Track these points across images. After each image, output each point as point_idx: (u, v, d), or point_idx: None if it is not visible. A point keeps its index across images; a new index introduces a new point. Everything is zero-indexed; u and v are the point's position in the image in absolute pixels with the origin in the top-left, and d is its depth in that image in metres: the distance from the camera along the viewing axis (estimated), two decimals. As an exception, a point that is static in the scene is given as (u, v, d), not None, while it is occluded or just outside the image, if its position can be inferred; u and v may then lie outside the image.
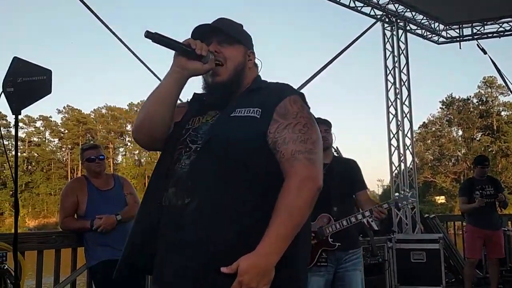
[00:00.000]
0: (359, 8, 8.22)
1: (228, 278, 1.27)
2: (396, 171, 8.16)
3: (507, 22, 9.24)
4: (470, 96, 44.42)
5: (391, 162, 8.12)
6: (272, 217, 1.30)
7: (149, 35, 1.37)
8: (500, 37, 9.36)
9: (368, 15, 8.35)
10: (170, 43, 1.42)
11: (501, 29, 9.27)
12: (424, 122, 45.28)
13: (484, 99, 43.88)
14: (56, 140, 55.76)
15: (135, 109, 52.38)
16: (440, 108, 45.22)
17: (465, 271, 6.08)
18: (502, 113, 43.03)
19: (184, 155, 1.45)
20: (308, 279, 1.69)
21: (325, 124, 3.37)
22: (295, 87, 1.59)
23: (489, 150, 39.83)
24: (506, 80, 10.20)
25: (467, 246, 5.96)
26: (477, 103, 44.40)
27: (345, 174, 3.34)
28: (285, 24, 71.83)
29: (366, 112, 76.11)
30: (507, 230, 7.04)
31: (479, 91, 43.96)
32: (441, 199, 37.11)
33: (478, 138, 42.97)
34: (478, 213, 5.74)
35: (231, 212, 1.34)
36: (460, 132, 44.30)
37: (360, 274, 3.36)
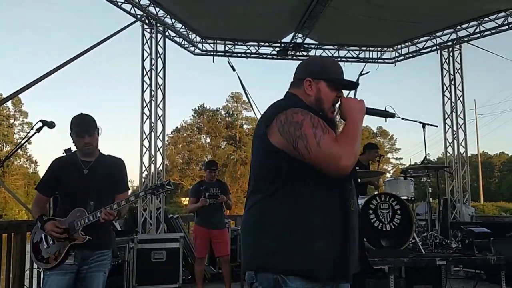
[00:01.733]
0: (119, 4, 8.00)
1: None
2: (146, 172, 8.23)
3: (253, 46, 10.43)
4: (219, 108, 48.73)
5: (141, 163, 8.15)
6: None
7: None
8: (247, 58, 10.53)
9: (129, 13, 8.22)
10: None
11: (248, 50, 10.44)
12: (177, 127, 47.42)
13: (231, 112, 48.77)
14: None
15: None
16: (192, 115, 48.18)
17: (195, 269, 6.50)
18: (244, 126, 48.57)
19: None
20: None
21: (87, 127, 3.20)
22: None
23: (232, 158, 44.42)
24: (249, 97, 11.55)
25: (196, 245, 6.37)
26: (224, 115, 48.98)
27: (109, 172, 3.26)
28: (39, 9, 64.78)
29: (123, 111, 75.06)
30: (233, 229, 7.85)
31: (227, 104, 48.63)
32: (186, 201, 39.30)
33: (223, 146, 47.35)
34: (205, 214, 6.23)
35: None
36: (208, 140, 48.06)
37: (103, 276, 3.26)
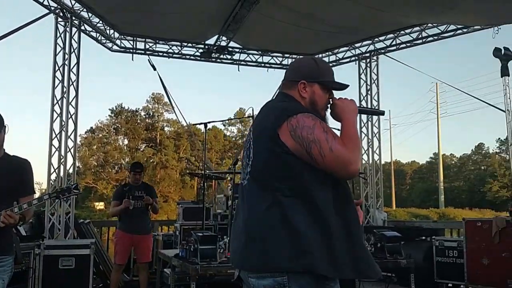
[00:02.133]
0: (32, -7, 7.43)
1: None
2: (55, 174, 7.66)
3: (176, 46, 10.17)
4: (138, 109, 47.27)
5: (50, 164, 7.58)
6: None
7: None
8: (168, 58, 10.25)
9: (42, 4, 7.66)
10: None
11: (170, 50, 10.17)
12: (91, 127, 45.29)
13: (151, 113, 47.54)
14: None
15: None
16: (109, 115, 46.31)
17: (112, 276, 6.17)
18: (166, 128, 47.55)
19: None
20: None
21: None
22: None
23: (151, 161, 43.22)
24: (171, 98, 11.25)
25: (117, 251, 6.07)
26: (144, 116, 47.64)
27: (13, 174, 2.97)
28: None
29: (31, 109, 70.37)
30: (156, 234, 7.59)
31: (147, 105, 47.34)
32: (100, 205, 37.61)
33: (142, 149, 45.96)
34: (129, 219, 5.94)
35: None
36: (126, 142, 46.44)
37: (2, 284, 2.94)
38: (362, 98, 10.00)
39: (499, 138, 49.68)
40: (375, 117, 9.93)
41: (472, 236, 6.51)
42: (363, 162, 9.85)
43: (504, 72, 1.79)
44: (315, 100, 2.00)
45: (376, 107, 9.91)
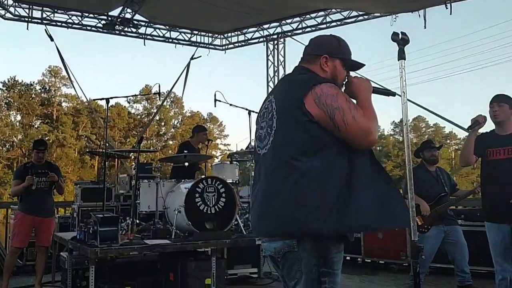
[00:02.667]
0: None
1: None
2: None
3: (76, 16, 9.48)
4: (33, 82, 43.79)
5: None
6: None
7: None
8: (68, 28, 9.52)
9: None
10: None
11: (69, 20, 9.45)
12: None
13: (47, 88, 44.30)
14: None
15: None
16: (0, 89, 42.37)
17: (7, 259, 5.68)
18: (63, 104, 44.62)
19: None
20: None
21: None
22: None
23: (47, 138, 40.38)
24: (70, 72, 10.51)
25: (16, 233, 5.59)
26: (40, 90, 44.26)
27: None
28: None
29: None
30: (57, 217, 7.09)
31: (43, 79, 44.00)
32: (-11, 186, 34.55)
33: (36, 126, 42.84)
34: (31, 199, 5.50)
35: None
36: (19, 117, 42.91)
37: None
38: (269, 79, 10.14)
39: (393, 121, 53.76)
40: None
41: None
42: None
43: (401, 56, 1.90)
44: (336, 75, 2.08)
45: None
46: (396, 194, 1.99)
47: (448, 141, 54.06)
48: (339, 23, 9.18)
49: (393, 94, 2.32)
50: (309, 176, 1.85)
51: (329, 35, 2.23)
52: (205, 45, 10.71)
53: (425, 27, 8.09)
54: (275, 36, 10.13)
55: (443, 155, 51.94)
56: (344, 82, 2.13)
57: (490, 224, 3.74)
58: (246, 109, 6.25)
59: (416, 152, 5.17)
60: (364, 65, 2.18)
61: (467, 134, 3.90)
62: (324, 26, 9.36)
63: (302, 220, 1.83)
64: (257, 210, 2.07)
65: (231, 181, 5.46)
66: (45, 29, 9.22)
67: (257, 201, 2.06)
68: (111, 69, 67.56)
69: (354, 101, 2.00)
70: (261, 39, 10.33)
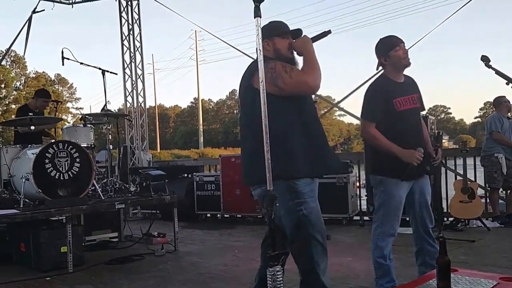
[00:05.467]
0: None
1: None
2: None
3: None
4: None
5: None
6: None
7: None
8: None
9: None
10: None
11: None
12: None
13: None
14: None
15: None
16: None
17: None
18: None
19: None
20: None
21: None
22: None
23: None
24: None
25: None
26: None
27: None
28: None
29: None
30: None
31: None
32: None
33: None
34: None
35: None
36: None
37: None
38: (124, 37, 9.65)
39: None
40: (138, 58, 9.73)
41: (227, 170, 7.20)
42: (128, 104, 9.71)
43: (257, 14, 1.94)
44: (277, 49, 2.56)
45: (139, 49, 9.74)
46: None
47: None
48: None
49: (328, 32, 2.62)
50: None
51: (266, 24, 2.64)
52: (49, -2, 9.70)
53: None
54: (128, -8, 9.60)
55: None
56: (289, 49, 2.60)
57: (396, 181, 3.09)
58: (100, 68, 5.90)
59: None
60: (299, 29, 2.61)
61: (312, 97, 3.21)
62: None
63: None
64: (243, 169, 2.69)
65: (85, 145, 5.18)
66: None
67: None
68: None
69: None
70: (113, -5, 9.70)
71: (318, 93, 4.09)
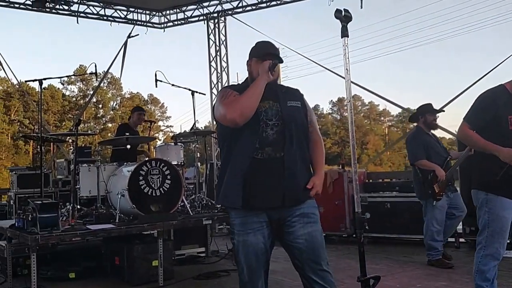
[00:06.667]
0: None
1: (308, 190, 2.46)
2: None
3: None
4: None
5: None
6: (316, 157, 2.56)
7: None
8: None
9: None
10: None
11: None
12: None
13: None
14: None
15: None
16: None
17: None
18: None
19: (267, 128, 2.41)
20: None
21: None
22: None
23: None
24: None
25: None
26: (-36, 73, 41.15)
27: None
28: None
29: None
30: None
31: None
32: None
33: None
34: None
35: (307, 161, 2.52)
36: None
37: None
38: (211, 58, 10.03)
39: (331, 100, 55.12)
40: (224, 78, 10.04)
41: (310, 188, 7.11)
42: (214, 123, 10.01)
43: (344, 33, 1.92)
44: (250, 71, 2.58)
45: (225, 69, 10.05)
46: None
47: (382, 118, 56.32)
48: (278, 2, 9.19)
49: (280, 60, 2.52)
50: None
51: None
52: (142, 23, 10.37)
53: (361, 7, 8.30)
54: (215, 15, 9.99)
55: (377, 131, 54.19)
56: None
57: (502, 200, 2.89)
58: (189, 90, 6.16)
59: (414, 116, 5.01)
60: (279, 57, 2.53)
61: (400, 110, 3.65)
62: (264, 5, 9.34)
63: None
64: None
65: (176, 163, 5.41)
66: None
67: None
68: (43, 49, 64.04)
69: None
70: (201, 17, 10.15)
71: (405, 106, 3.94)
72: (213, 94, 9.99)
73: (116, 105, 48.68)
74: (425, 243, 4.97)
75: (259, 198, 2.36)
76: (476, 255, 2.99)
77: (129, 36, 10.21)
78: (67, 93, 46.22)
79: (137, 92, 49.43)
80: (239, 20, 9.95)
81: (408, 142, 5.11)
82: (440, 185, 4.68)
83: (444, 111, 5.40)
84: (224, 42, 10.08)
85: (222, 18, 10.07)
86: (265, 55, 2.49)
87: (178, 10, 10.24)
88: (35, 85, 5.23)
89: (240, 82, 2.69)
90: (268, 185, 2.37)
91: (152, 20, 10.50)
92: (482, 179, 2.97)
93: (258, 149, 2.37)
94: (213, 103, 2.52)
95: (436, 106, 5.15)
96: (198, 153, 5.93)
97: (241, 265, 2.43)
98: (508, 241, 3.02)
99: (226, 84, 10.06)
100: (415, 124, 5.20)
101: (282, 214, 2.40)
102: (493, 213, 2.88)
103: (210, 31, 10.08)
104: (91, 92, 42.21)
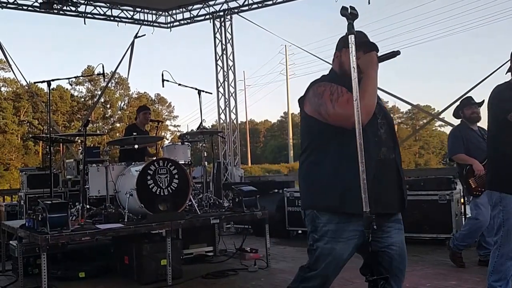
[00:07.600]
0: None
1: None
2: None
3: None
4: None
5: None
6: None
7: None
8: (2, 8, 8.97)
9: None
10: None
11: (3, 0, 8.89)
12: None
13: (-18, 72, 41.67)
14: None
15: None
16: None
17: None
18: (3, 88, 42.20)
19: (379, 127, 2.28)
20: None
21: None
22: None
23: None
24: (7, 55, 9.92)
25: None
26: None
27: None
28: None
29: None
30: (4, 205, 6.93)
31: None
32: None
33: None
34: None
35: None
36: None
37: None
38: (218, 57, 10.03)
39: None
40: (231, 76, 10.06)
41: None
42: (221, 121, 10.04)
43: (351, 31, 1.90)
44: (341, 62, 2.35)
45: (231, 68, 10.05)
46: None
47: (391, 115, 55.85)
48: (285, -1, 9.18)
49: (397, 53, 2.33)
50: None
51: None
52: (149, 23, 10.41)
53: (368, 3, 8.26)
54: (221, 13, 9.98)
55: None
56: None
57: None
58: (196, 89, 6.18)
59: (455, 111, 4.94)
60: (373, 44, 2.31)
61: (409, 107, 3.64)
62: (270, 2, 9.33)
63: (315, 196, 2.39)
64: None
65: (183, 162, 5.43)
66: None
67: None
68: (51, 50, 64.46)
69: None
70: (207, 16, 10.16)
71: (415, 102, 3.90)
72: (219, 93, 9.99)
73: (124, 105, 48.86)
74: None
75: (383, 203, 2.19)
76: (491, 254, 2.98)
77: (136, 36, 10.24)
78: (76, 93, 46.45)
79: (145, 92, 49.61)
80: (245, 18, 9.95)
81: (449, 136, 5.09)
82: (478, 180, 4.48)
83: (483, 103, 5.22)
84: (230, 41, 10.08)
85: (228, 17, 10.06)
86: (357, 45, 2.16)
87: (184, 10, 10.25)
88: (44, 86, 5.34)
89: (324, 74, 2.43)
90: (390, 188, 2.25)
91: (159, 20, 10.53)
92: (496, 179, 2.95)
93: (378, 150, 2.23)
94: (306, 95, 2.33)
95: (449, 100, 5.09)
96: (205, 152, 5.94)
97: (315, 272, 2.26)
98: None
99: (233, 83, 10.08)
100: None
101: (380, 221, 2.13)
102: (507, 212, 2.86)
103: (216, 29, 10.08)
104: (99, 93, 42.39)
